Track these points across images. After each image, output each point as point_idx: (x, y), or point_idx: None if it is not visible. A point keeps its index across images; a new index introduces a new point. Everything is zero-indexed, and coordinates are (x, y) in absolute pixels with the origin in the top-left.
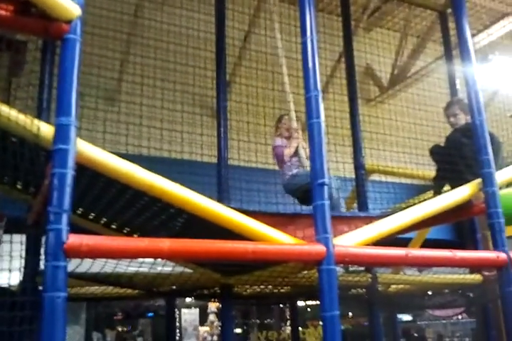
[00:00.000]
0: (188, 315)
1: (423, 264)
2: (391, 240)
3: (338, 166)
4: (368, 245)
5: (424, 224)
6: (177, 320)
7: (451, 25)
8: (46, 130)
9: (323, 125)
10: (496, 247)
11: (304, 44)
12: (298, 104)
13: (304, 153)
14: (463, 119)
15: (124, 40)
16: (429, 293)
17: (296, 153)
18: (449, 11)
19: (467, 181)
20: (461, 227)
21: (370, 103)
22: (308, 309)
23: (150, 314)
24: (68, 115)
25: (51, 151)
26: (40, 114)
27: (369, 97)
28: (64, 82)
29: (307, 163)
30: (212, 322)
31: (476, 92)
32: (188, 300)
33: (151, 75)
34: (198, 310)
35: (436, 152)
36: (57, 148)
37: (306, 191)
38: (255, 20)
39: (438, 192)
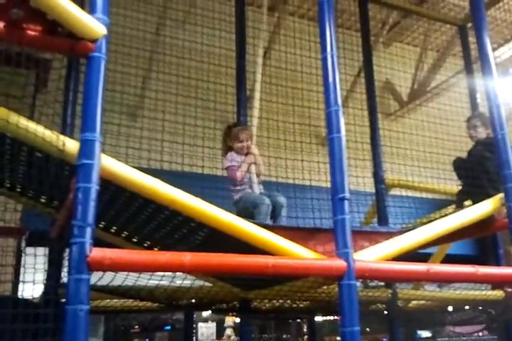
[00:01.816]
0: (205, 329)
1: (445, 280)
2: (411, 255)
3: (358, 180)
4: (388, 260)
5: (445, 239)
6: (194, 333)
7: (471, 39)
8: (71, 145)
9: (343, 140)
10: None
11: (325, 60)
12: (318, 119)
13: (256, 169)
14: (483, 133)
15: (147, 57)
16: (450, 309)
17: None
18: (469, 25)
19: (489, 196)
20: (482, 243)
21: (390, 117)
22: (326, 324)
23: (167, 327)
24: (93, 131)
25: (76, 166)
26: (65, 129)
27: (389, 112)
28: (89, 99)
29: (256, 183)
30: (229, 337)
31: (497, 106)
32: (205, 313)
33: (173, 92)
34: (215, 323)
35: (459, 166)
36: (81, 163)
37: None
38: (275, 36)
39: (459, 206)
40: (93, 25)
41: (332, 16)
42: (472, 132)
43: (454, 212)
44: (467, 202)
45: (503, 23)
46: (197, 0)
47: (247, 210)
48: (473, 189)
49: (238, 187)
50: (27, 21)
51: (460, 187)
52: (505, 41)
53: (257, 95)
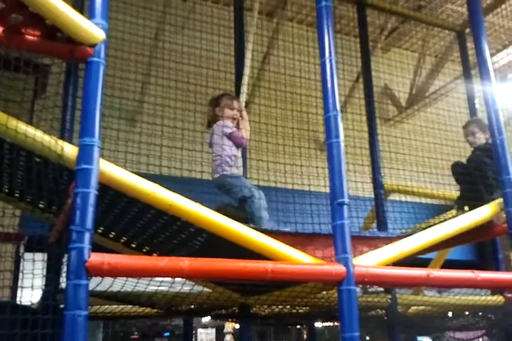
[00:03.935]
0: (205, 335)
1: (444, 285)
2: (411, 261)
3: (357, 186)
4: (388, 265)
5: (445, 244)
6: (193, 339)
7: (470, 44)
8: (70, 150)
9: (342, 145)
10: None
11: (323, 65)
12: (317, 124)
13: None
14: (482, 138)
15: (146, 62)
16: (450, 314)
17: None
18: (467, 30)
19: (485, 201)
20: (482, 248)
21: (389, 123)
22: (326, 330)
23: (166, 333)
24: (92, 136)
25: (74, 171)
26: (64, 134)
27: (387, 117)
28: (88, 104)
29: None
30: None
31: (496, 112)
32: (204, 319)
33: (172, 97)
34: (214, 330)
35: (458, 172)
36: (80, 167)
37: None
38: (273, 42)
39: (461, 212)
40: (92, 30)
41: (330, 22)
42: (470, 138)
43: (454, 216)
44: (467, 208)
45: (501, 29)
46: (196, 5)
47: (242, 198)
48: (470, 194)
49: (232, 162)
50: (26, 26)
51: (459, 193)
52: (503, 47)
53: (247, 71)
